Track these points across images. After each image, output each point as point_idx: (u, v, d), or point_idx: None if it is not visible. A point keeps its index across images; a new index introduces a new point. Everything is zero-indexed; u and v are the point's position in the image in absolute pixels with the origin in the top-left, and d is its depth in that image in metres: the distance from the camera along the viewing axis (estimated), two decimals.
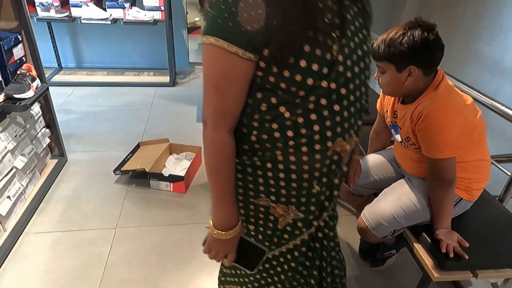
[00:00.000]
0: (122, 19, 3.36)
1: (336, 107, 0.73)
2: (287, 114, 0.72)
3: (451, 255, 1.15)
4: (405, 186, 1.32)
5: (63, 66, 3.96)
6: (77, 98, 3.37)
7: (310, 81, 0.68)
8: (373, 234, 1.29)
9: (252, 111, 0.74)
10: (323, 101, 0.71)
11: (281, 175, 0.79)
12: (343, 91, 0.72)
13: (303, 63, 0.66)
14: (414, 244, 1.27)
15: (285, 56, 0.66)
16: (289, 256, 0.96)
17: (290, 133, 0.73)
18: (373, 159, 1.53)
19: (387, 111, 1.37)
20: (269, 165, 0.79)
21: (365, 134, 1.88)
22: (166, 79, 3.79)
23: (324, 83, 0.69)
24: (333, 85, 0.70)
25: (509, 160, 1.64)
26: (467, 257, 1.15)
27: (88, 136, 2.74)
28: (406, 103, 1.24)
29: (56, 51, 3.81)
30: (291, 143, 0.74)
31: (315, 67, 0.67)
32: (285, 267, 0.98)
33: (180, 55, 4.13)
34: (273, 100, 0.71)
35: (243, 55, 0.65)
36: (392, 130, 1.35)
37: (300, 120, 0.72)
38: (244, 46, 0.64)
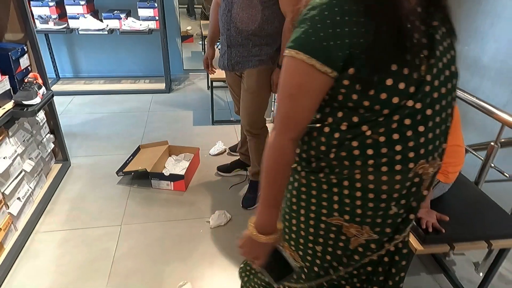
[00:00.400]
0: (118, 29, 3.49)
1: (421, 128, 0.71)
2: (368, 133, 0.71)
3: (430, 230, 1.29)
4: None
5: (60, 76, 4.07)
6: (76, 106, 3.48)
7: (395, 100, 0.68)
8: None
9: (331, 130, 0.75)
10: (407, 121, 0.70)
11: (358, 194, 0.78)
12: (429, 111, 0.71)
13: (389, 82, 0.66)
14: None
15: (372, 75, 0.66)
16: (355, 272, 0.95)
17: (370, 152, 0.73)
18: None
19: None
20: (346, 183, 0.77)
21: None
22: (162, 86, 3.92)
23: (410, 103, 0.68)
24: (418, 105, 0.69)
25: (483, 148, 1.78)
26: (443, 231, 1.28)
27: (89, 142, 2.85)
28: None
29: (53, 61, 3.92)
30: (370, 162, 0.73)
31: (401, 85, 0.67)
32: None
33: (175, 62, 4.27)
34: (355, 118, 0.71)
35: (320, 68, 0.67)
36: None
37: (382, 139, 0.71)
38: (323, 60, 0.67)
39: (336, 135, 0.74)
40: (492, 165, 1.59)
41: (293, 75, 0.71)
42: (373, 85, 0.67)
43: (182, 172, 2.38)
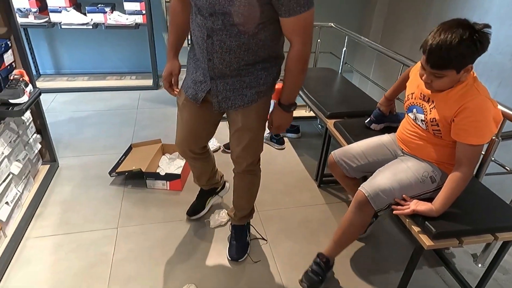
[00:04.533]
0: (103, 23, 3.35)
1: None
2: None
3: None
4: (400, 165, 1.46)
5: (41, 73, 3.89)
6: (60, 104, 3.33)
7: None
8: (370, 205, 1.40)
9: None
10: None
11: None
12: None
13: None
14: (407, 219, 1.40)
15: None
16: None
17: None
18: (368, 142, 1.66)
19: (412, 93, 1.47)
20: None
21: (353, 125, 2.02)
22: (149, 82, 3.81)
23: None
24: None
25: None
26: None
27: (76, 141, 2.74)
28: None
29: (33, 57, 3.74)
30: None
31: None
32: None
33: (161, 58, 4.15)
34: None
35: None
36: (414, 110, 1.45)
37: None
38: None
39: None
40: (493, 158, 1.61)
41: None
42: None
43: (177, 171, 2.32)
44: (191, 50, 1.41)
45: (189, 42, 1.45)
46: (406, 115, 1.54)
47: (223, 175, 2.04)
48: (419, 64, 1.48)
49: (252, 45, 1.22)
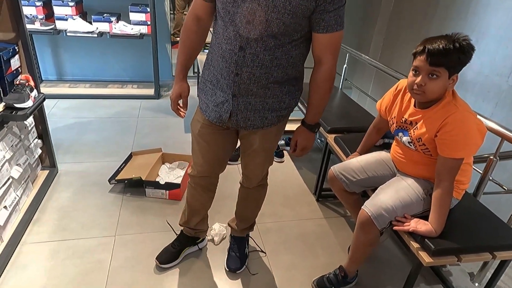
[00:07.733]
0: (108, 32, 3.40)
1: None
2: None
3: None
4: (401, 182, 1.47)
5: (43, 79, 3.91)
6: (61, 110, 3.34)
7: None
8: (373, 225, 1.41)
9: None
10: None
11: None
12: None
13: None
14: (406, 235, 1.41)
15: None
16: None
17: None
18: (368, 158, 1.69)
19: (394, 117, 1.51)
20: None
21: (353, 140, 2.04)
22: (151, 91, 3.84)
23: None
24: None
25: (481, 161, 1.83)
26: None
27: (76, 147, 2.74)
28: (423, 108, 1.37)
29: (36, 63, 3.77)
30: None
31: None
32: None
33: (164, 68, 4.19)
34: None
35: None
36: (400, 133, 1.49)
37: None
38: None
39: None
40: (490, 178, 1.63)
41: None
42: None
43: (177, 181, 2.32)
44: (206, 72, 1.37)
45: (195, 71, 1.41)
46: (395, 137, 1.58)
47: (209, 227, 1.89)
48: (390, 92, 1.56)
49: (284, 61, 1.21)
